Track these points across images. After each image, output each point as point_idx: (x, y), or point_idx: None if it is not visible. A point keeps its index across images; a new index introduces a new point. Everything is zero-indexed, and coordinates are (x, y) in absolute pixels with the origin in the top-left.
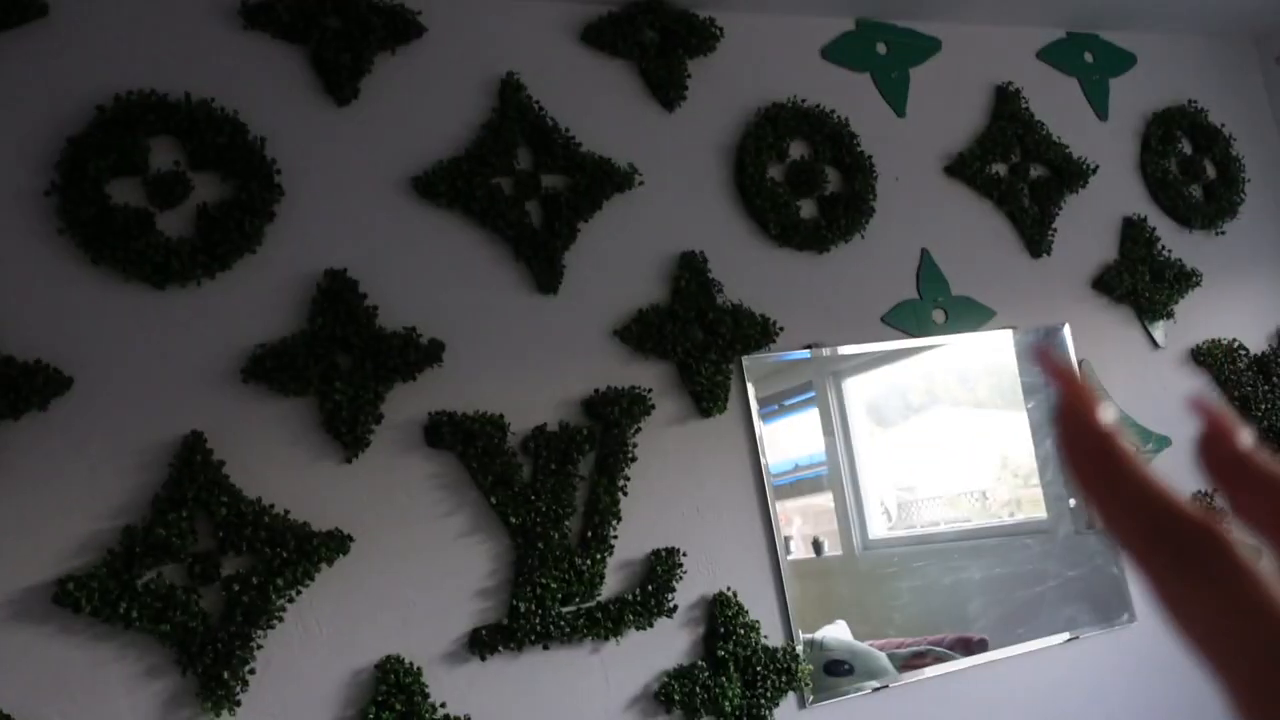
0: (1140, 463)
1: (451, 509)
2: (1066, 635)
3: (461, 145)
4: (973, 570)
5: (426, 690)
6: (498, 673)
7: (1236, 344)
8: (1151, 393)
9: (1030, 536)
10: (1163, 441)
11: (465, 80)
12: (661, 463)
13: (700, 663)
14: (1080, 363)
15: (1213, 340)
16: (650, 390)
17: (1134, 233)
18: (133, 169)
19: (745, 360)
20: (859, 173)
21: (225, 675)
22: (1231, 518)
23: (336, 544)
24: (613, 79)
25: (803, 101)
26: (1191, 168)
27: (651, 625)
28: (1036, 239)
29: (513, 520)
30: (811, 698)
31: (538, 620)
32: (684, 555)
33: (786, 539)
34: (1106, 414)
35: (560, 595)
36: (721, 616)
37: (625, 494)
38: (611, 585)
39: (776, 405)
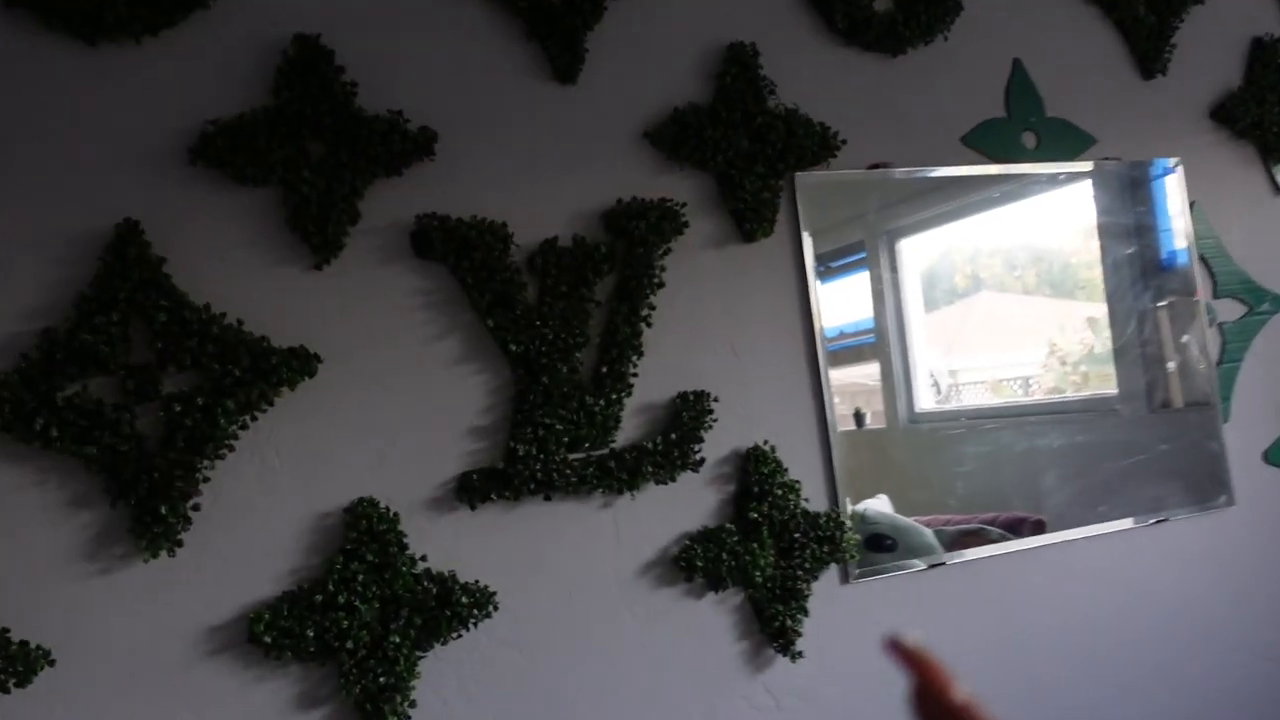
0: None
1: (441, 331)
2: (1152, 518)
3: None
4: (1035, 445)
5: (404, 540)
6: (490, 525)
7: None
8: (1270, 245)
9: (1096, 414)
10: (1278, 302)
11: None
12: (694, 292)
13: (729, 525)
14: (1192, 205)
15: None
16: (684, 205)
17: (1264, 56)
18: None
19: (799, 177)
20: None
21: (163, 510)
22: None
23: (301, 364)
24: None
25: None
26: None
27: (673, 479)
28: (1151, 56)
29: (513, 348)
30: (857, 572)
31: (539, 466)
32: (715, 401)
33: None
34: (958, 692)
35: (567, 439)
36: (756, 473)
37: (649, 325)
38: (628, 431)
39: (823, 266)
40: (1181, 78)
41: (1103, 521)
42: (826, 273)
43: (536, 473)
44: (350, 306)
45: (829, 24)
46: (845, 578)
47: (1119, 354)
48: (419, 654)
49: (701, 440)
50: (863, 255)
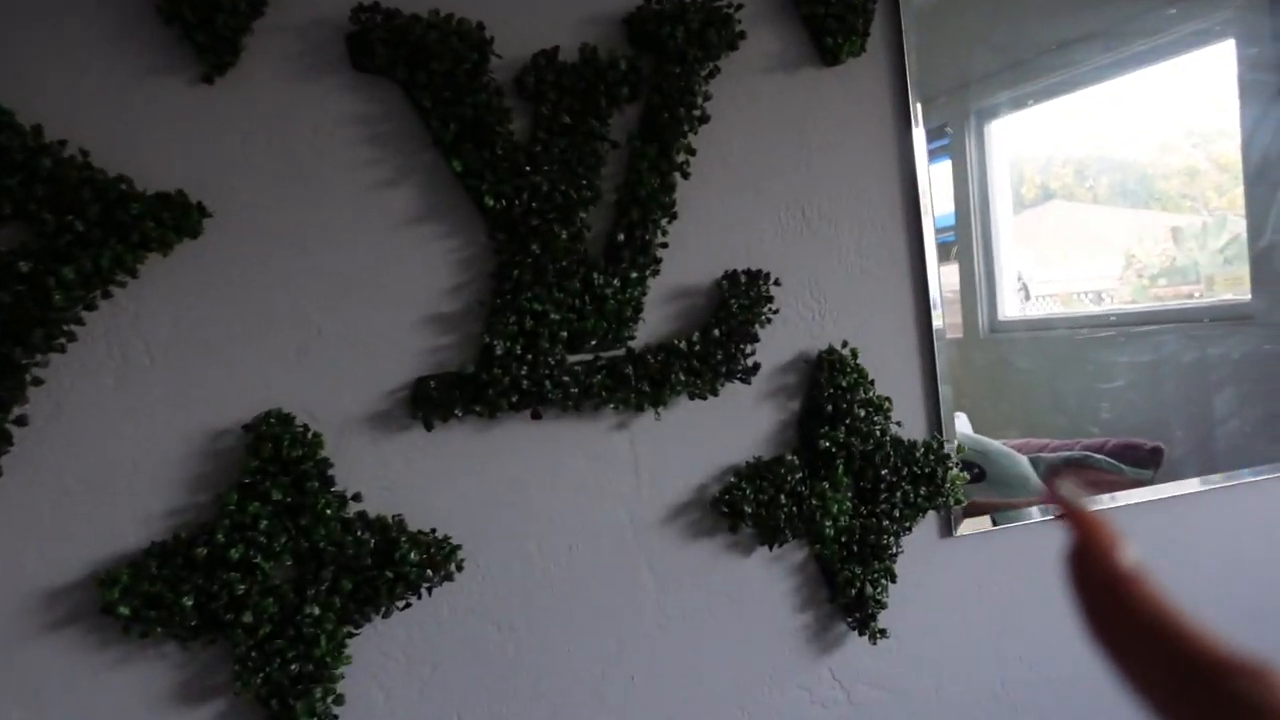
0: (1168, 613)
1: (389, 176)
2: None
3: None
4: (1147, 360)
5: (330, 473)
6: (453, 452)
7: None
8: None
9: (1227, 324)
10: None
11: None
12: (751, 131)
13: (790, 458)
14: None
15: None
16: (739, 7)
17: None
18: None
19: None
20: None
21: None
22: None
23: (176, 217)
24: None
25: None
26: None
27: (715, 392)
28: None
29: (490, 202)
30: (963, 523)
31: (525, 371)
32: (776, 285)
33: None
34: (1126, 556)
35: (566, 333)
36: (831, 387)
37: (685, 176)
38: (653, 323)
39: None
40: None
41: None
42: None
43: (521, 379)
44: (254, 137)
45: None
46: (947, 529)
47: (1258, 253)
48: (349, 631)
49: (756, 339)
50: (946, 142)
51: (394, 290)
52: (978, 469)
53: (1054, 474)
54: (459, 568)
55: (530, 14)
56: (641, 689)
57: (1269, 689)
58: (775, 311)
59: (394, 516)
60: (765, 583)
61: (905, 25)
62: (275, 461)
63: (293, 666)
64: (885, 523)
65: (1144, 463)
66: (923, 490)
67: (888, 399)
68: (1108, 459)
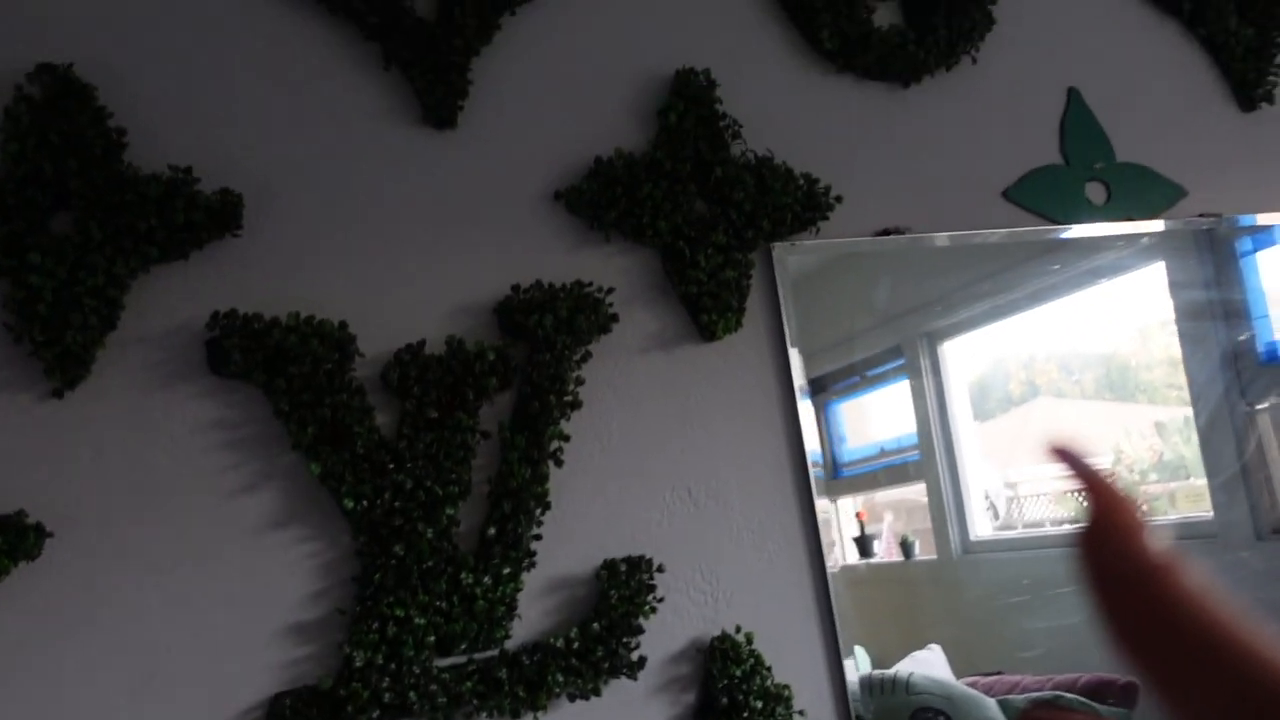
0: (1217, 616)
1: (248, 482)
2: None
3: None
4: None
5: None
6: None
7: None
8: None
9: (1191, 542)
10: None
11: None
12: (629, 413)
13: None
14: None
15: None
16: (611, 291)
17: None
18: None
19: (777, 249)
20: None
21: None
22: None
23: (12, 540)
24: None
25: None
26: None
27: (598, 692)
28: (1250, 81)
29: (349, 504)
30: None
31: (388, 681)
32: (660, 571)
33: (869, 538)
34: (1155, 541)
35: (434, 638)
36: (726, 678)
37: (559, 464)
38: (530, 621)
39: (858, 376)
40: None
41: None
42: (862, 383)
43: (383, 691)
44: (107, 450)
45: (813, 43)
46: None
47: (1211, 469)
48: None
49: (640, 631)
50: (901, 362)
51: (252, 600)
52: (944, 717)
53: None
54: None
55: (398, 308)
56: None
57: None
58: (660, 600)
59: None
60: None
61: (783, 294)
62: None
63: None
64: None
65: (1118, 701)
66: None
67: (787, 687)
68: (1080, 699)
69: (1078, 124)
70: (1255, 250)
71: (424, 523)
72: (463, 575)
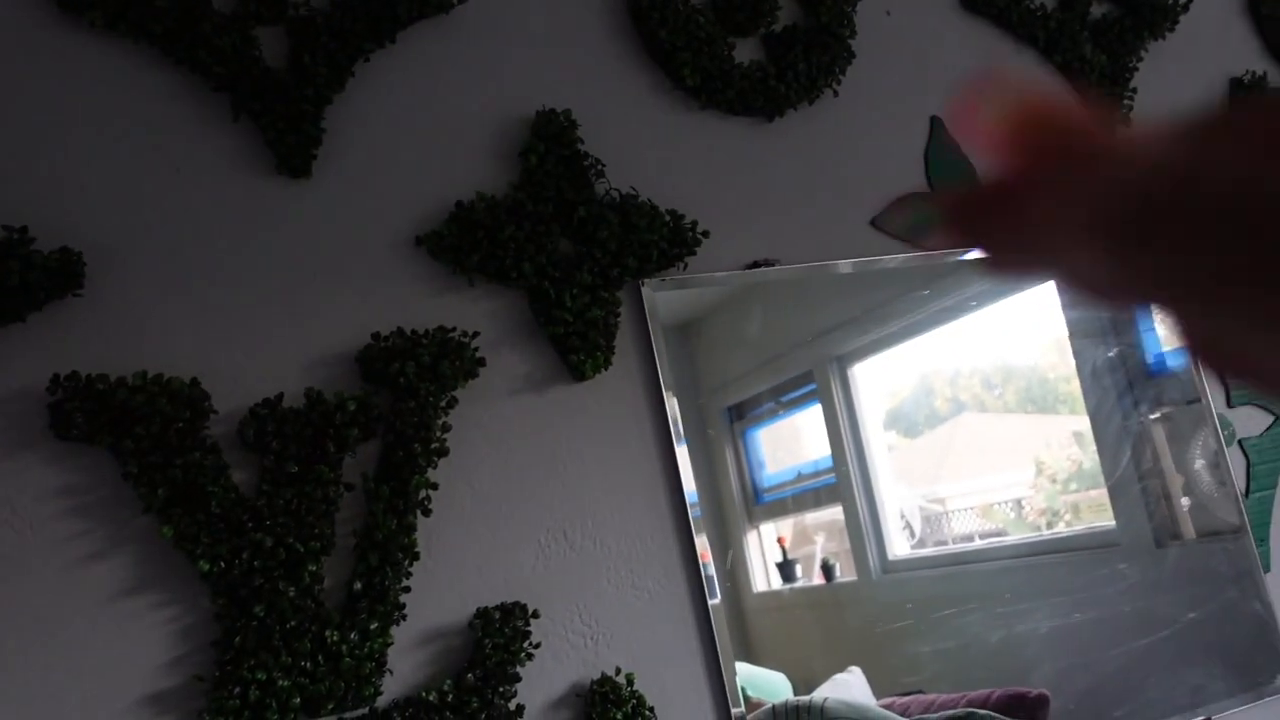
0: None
1: (98, 549)
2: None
3: None
4: (1031, 604)
5: None
6: None
7: None
8: None
9: (1097, 551)
10: None
11: None
12: (501, 454)
13: None
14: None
15: None
16: (475, 335)
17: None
18: None
19: (646, 287)
20: None
21: None
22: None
23: None
24: None
25: None
26: None
27: None
28: (1107, 105)
29: (205, 567)
30: None
31: None
32: (536, 618)
33: (791, 562)
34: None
35: (299, 699)
36: None
37: (427, 514)
38: (402, 676)
39: (774, 402)
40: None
41: None
42: (778, 409)
43: None
44: None
45: (675, 81)
46: None
47: (1111, 480)
48: None
49: (517, 679)
50: (813, 387)
51: (104, 672)
52: None
53: None
54: None
55: (256, 362)
56: None
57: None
58: (537, 645)
59: None
60: None
61: (653, 330)
62: None
63: None
64: None
65: (1029, 714)
66: None
67: None
68: (991, 714)
69: (940, 151)
70: None
71: (285, 581)
72: (328, 633)
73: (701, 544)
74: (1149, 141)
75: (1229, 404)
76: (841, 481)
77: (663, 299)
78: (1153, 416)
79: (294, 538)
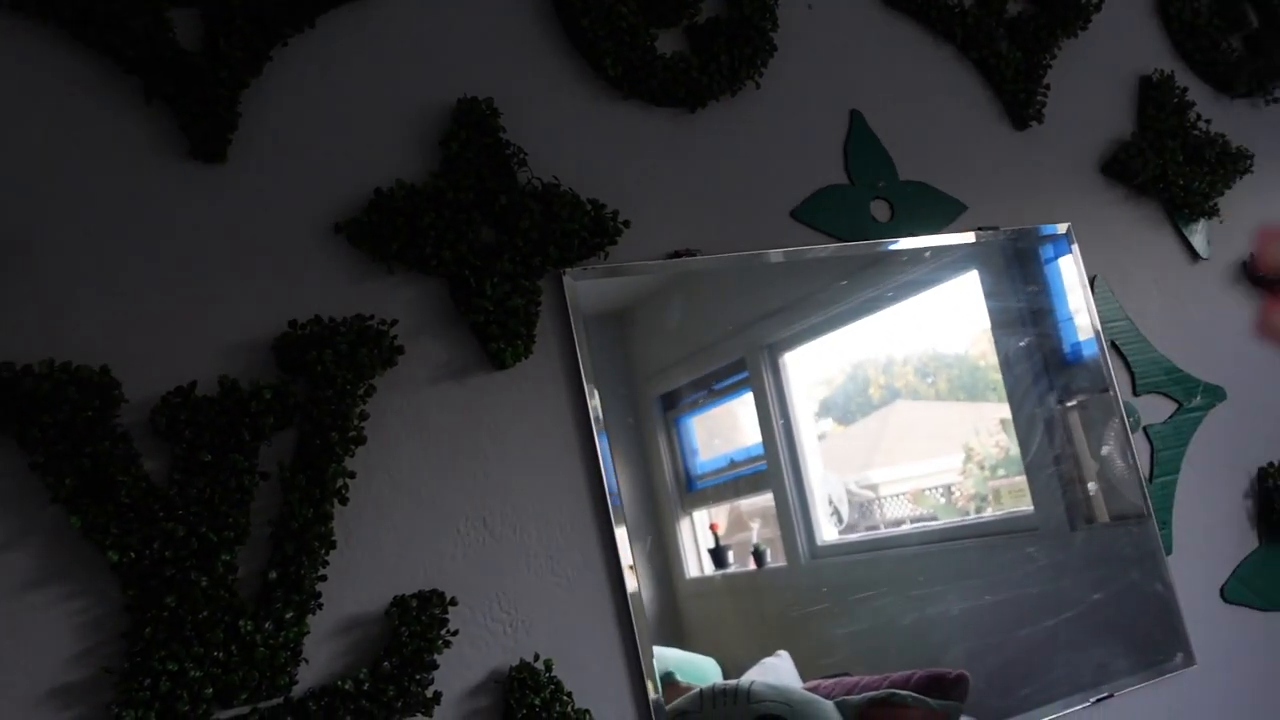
0: None
1: (2, 540)
2: (1094, 694)
3: None
4: (949, 587)
5: None
6: None
7: None
8: (1195, 324)
9: (1015, 535)
10: (1214, 394)
11: None
12: (420, 443)
13: None
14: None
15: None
16: (394, 324)
17: (1157, 96)
18: None
19: (568, 275)
20: None
21: None
22: None
23: None
24: None
25: None
26: (1229, 10)
27: None
28: (1021, 101)
29: (114, 557)
30: None
31: None
32: (453, 605)
33: (724, 549)
34: None
35: (212, 690)
36: (524, 708)
37: (344, 502)
38: (318, 665)
39: (706, 390)
40: (1062, 127)
41: (1035, 707)
42: (710, 396)
43: None
44: None
45: (597, 71)
46: None
47: (1030, 467)
48: None
49: (434, 666)
50: (746, 375)
51: (10, 666)
52: None
53: (860, 719)
54: None
55: (168, 350)
56: None
57: None
58: (454, 633)
59: None
60: None
61: (574, 319)
62: None
63: None
64: None
65: (950, 693)
66: None
67: (587, 712)
68: (913, 695)
69: (860, 145)
70: (1056, 258)
71: (198, 571)
72: (241, 623)
73: (621, 532)
74: None
75: (1135, 392)
76: (772, 468)
77: (593, 288)
78: (1070, 404)
79: (207, 527)
